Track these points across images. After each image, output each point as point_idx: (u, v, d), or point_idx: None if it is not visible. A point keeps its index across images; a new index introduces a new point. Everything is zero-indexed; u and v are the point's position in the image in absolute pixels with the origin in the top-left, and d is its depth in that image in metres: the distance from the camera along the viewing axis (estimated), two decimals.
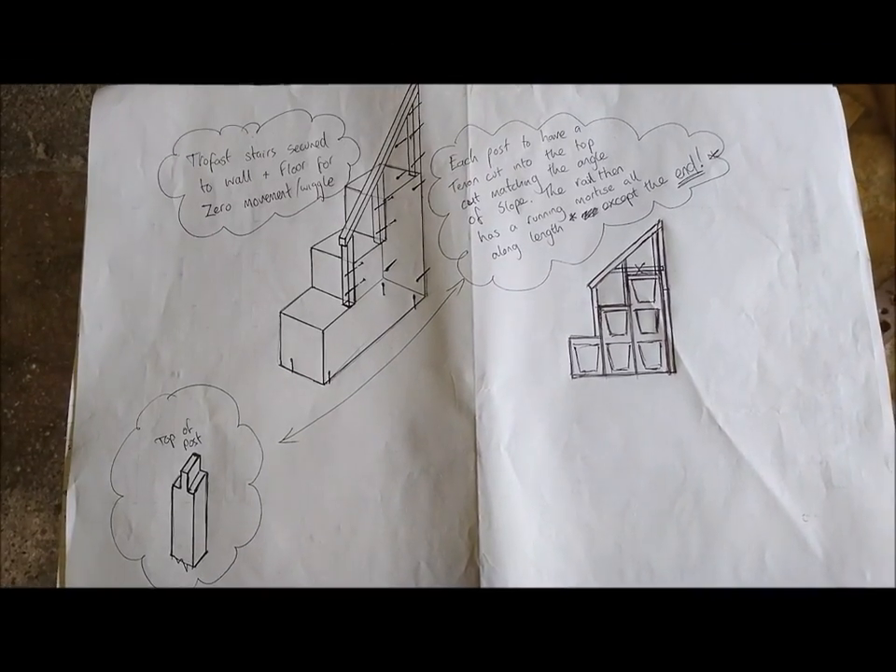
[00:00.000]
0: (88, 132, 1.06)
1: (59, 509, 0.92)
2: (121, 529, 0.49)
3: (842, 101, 0.67)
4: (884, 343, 0.68)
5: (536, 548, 0.48)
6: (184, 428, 0.50)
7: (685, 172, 0.54)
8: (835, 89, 0.57)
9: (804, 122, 0.55)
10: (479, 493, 0.48)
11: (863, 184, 0.76)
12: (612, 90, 0.55)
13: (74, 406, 0.51)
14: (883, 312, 0.70)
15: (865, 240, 0.53)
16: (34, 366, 0.95)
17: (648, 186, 0.54)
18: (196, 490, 0.50)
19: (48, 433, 0.94)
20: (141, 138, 0.55)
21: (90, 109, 1.07)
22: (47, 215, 1.00)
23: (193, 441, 0.50)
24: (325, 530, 0.49)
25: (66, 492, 0.50)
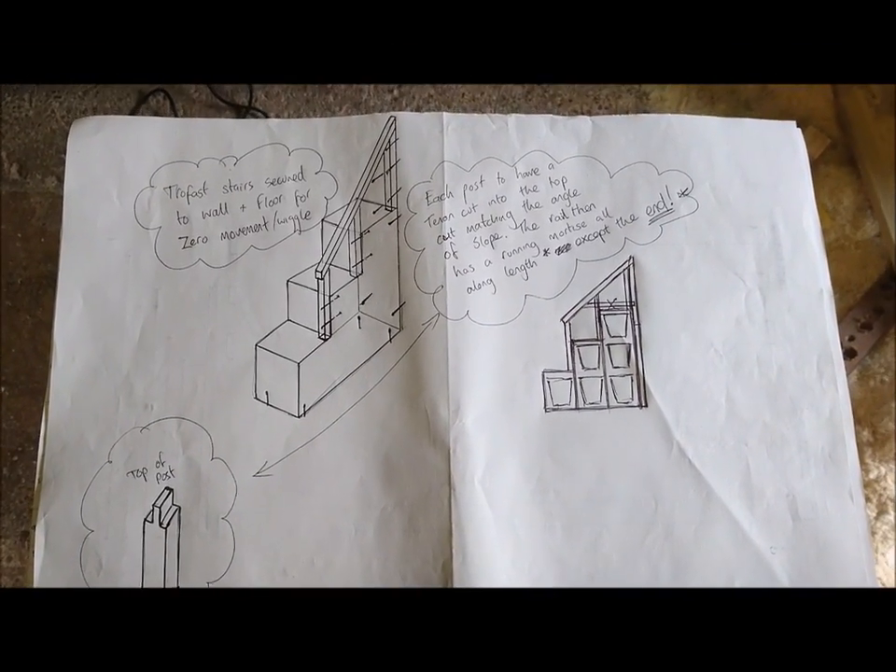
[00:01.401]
0: (63, 153, 1.06)
1: (26, 535, 0.91)
2: (91, 564, 0.48)
3: (809, 133, 0.69)
4: (851, 370, 0.69)
5: (509, 581, 0.48)
6: (157, 462, 0.50)
7: (656, 209, 0.55)
8: (799, 129, 0.58)
9: (769, 162, 0.57)
10: (453, 527, 0.49)
11: (830, 213, 0.78)
12: (585, 128, 0.57)
13: (45, 438, 0.51)
14: (850, 339, 0.72)
15: (829, 277, 0.55)
16: (3, 389, 0.93)
17: (619, 223, 0.55)
18: (168, 524, 0.49)
19: (16, 458, 0.92)
20: (118, 169, 0.55)
21: (65, 130, 1.07)
22: (19, 235, 0.99)
23: (166, 474, 0.50)
24: (298, 564, 0.49)
25: (35, 526, 0.49)
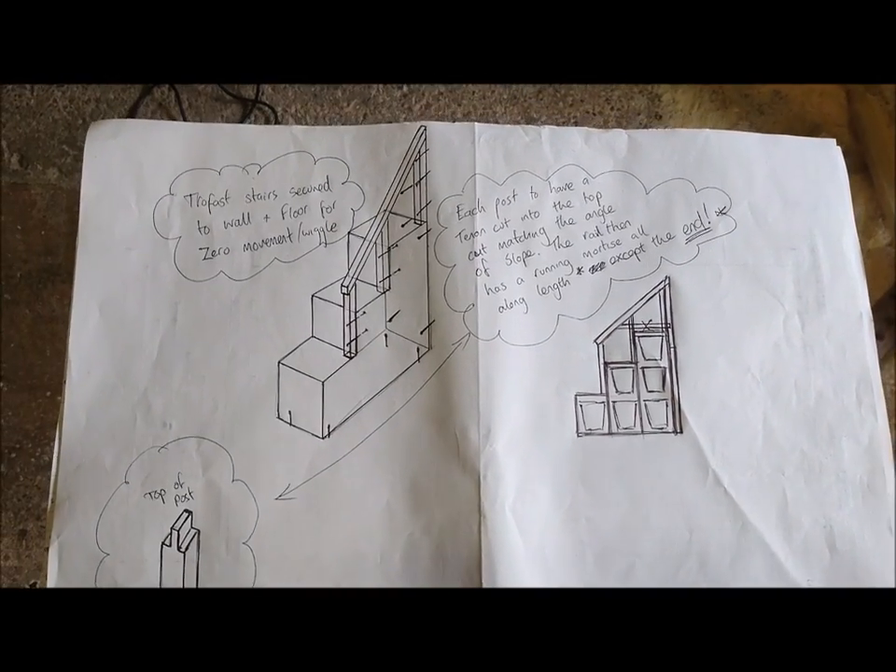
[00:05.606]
0: (65, 143, 1.03)
1: (24, 534, 0.89)
2: None
3: None
4: None
5: None
6: (175, 483, 0.48)
7: (693, 228, 0.54)
8: (839, 148, 0.57)
9: (809, 180, 0.55)
10: (482, 555, 0.47)
11: None
12: (621, 142, 0.55)
13: (58, 456, 0.49)
14: None
15: (868, 301, 0.54)
16: (1, 385, 0.91)
17: (655, 241, 0.53)
18: (187, 549, 0.47)
19: (13, 455, 0.90)
20: (137, 176, 0.53)
21: (67, 120, 1.04)
22: (19, 227, 0.97)
23: (185, 496, 0.48)
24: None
25: (48, 549, 0.48)
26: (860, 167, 0.82)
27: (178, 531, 0.48)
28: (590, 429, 0.50)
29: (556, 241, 0.53)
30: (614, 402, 0.51)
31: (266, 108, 0.98)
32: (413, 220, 0.53)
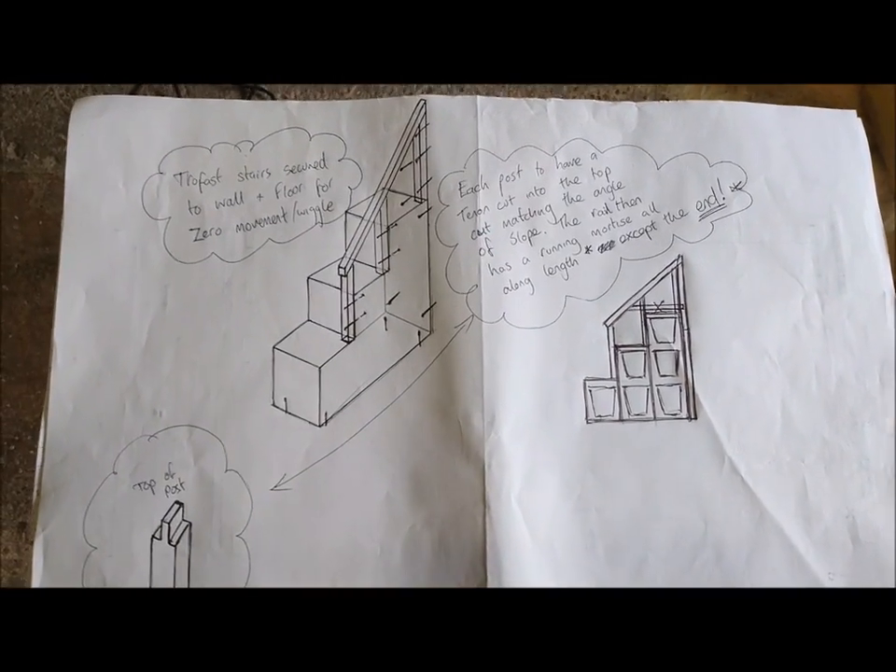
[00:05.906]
0: (62, 132, 1.01)
1: (23, 526, 0.88)
2: (94, 584, 0.45)
3: None
4: None
5: None
6: (166, 473, 0.46)
7: (706, 204, 0.51)
8: (859, 119, 0.54)
9: (829, 154, 0.53)
10: (487, 548, 0.45)
11: None
12: (631, 115, 0.53)
13: (44, 446, 0.47)
14: None
15: (892, 280, 0.51)
16: (0, 376, 0.90)
17: (667, 218, 0.51)
18: (178, 542, 0.45)
19: (13, 447, 0.89)
20: (124, 154, 0.50)
21: (64, 108, 1.02)
22: (16, 218, 0.95)
23: (176, 487, 0.46)
24: (319, 586, 0.45)
25: (34, 542, 0.46)
26: (872, 148, 0.80)
27: (169, 523, 0.46)
28: (600, 416, 0.48)
29: (563, 219, 0.51)
30: (625, 387, 0.48)
31: (265, 94, 0.96)
32: (412, 198, 0.50)
